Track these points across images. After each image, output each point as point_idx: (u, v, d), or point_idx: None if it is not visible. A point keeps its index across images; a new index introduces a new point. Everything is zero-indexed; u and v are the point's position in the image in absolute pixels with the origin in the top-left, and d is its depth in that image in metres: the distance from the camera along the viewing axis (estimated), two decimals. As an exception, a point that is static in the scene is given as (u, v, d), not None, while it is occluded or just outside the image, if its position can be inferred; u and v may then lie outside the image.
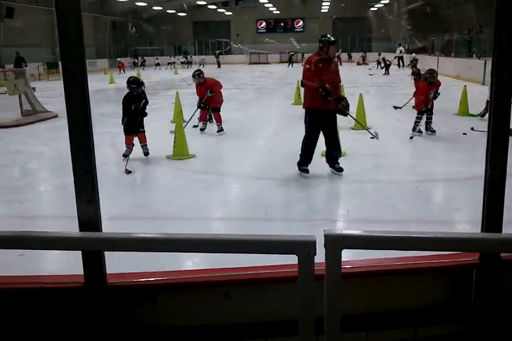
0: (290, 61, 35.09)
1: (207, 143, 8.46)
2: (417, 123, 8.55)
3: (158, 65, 35.48)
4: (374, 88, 15.05)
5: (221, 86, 10.08)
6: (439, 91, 8.52)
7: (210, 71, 31.64)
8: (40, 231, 1.63)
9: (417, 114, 8.60)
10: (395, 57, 28.44)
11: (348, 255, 2.47)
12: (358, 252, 2.20)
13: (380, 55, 29.05)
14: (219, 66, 36.61)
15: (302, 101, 13.54)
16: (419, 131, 8.64)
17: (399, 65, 27.98)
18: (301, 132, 8.86)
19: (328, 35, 6.33)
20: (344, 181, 6.40)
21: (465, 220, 4.80)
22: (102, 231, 1.82)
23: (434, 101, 8.61)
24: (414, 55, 25.81)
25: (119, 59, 33.30)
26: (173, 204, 5.44)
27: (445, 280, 1.93)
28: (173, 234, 1.57)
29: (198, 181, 6.41)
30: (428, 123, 8.68)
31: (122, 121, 7.36)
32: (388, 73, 24.82)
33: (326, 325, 1.49)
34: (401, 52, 28.79)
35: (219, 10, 41.47)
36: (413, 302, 1.90)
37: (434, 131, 8.64)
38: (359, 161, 7.20)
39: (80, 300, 1.81)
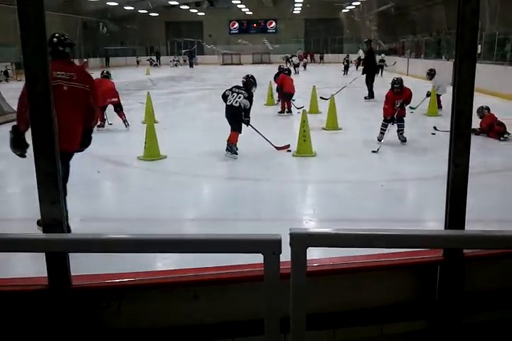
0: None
1: (178, 143, 8.41)
2: (382, 131, 8.18)
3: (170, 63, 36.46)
4: (345, 88, 15.17)
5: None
6: (410, 106, 8.39)
7: (179, 72, 31.60)
8: (3, 233, 1.60)
9: (383, 121, 8.22)
10: (357, 58, 28.90)
11: (317, 253, 2.50)
12: (327, 250, 2.23)
13: (348, 56, 28.97)
14: (191, 66, 36.52)
15: (275, 102, 13.63)
16: (379, 140, 8.15)
17: (357, 67, 28.40)
18: (273, 133, 8.87)
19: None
20: (315, 181, 6.45)
21: (433, 218, 4.87)
22: (66, 232, 1.79)
23: (406, 109, 8.34)
24: (382, 55, 26.10)
25: (85, 60, 32.57)
26: (144, 205, 5.39)
27: (410, 276, 1.96)
28: (138, 235, 1.56)
29: (169, 182, 6.37)
30: (399, 131, 8.25)
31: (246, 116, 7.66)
32: (347, 73, 25.18)
33: (291, 324, 1.50)
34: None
35: (191, 10, 41.29)
36: (379, 299, 1.93)
37: (405, 140, 8.24)
38: (330, 161, 7.27)
39: (44, 302, 1.78)
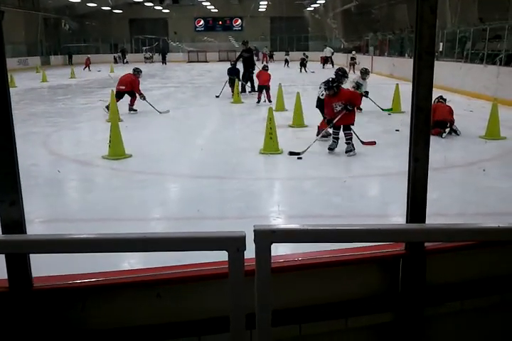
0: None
1: (143, 142, 8.34)
2: (334, 139, 7.62)
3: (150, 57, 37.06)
4: (312, 87, 15.28)
5: None
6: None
7: (144, 69, 31.12)
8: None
9: (332, 129, 7.64)
10: (321, 57, 29.22)
11: (285, 250, 2.51)
12: (297, 246, 2.24)
13: (304, 54, 28.86)
14: (163, 63, 36.28)
15: (242, 100, 13.85)
16: (330, 149, 7.56)
17: (323, 65, 28.63)
18: (238, 130, 8.86)
19: None
20: (282, 178, 6.49)
21: (398, 213, 4.96)
22: (26, 233, 1.75)
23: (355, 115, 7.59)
24: (353, 53, 26.38)
25: (89, 55, 32.22)
26: (110, 205, 5.32)
27: (374, 270, 1.99)
28: (100, 234, 1.53)
29: (135, 181, 6.30)
30: (345, 139, 7.51)
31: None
32: (301, 71, 26.00)
33: (257, 320, 1.50)
34: (332, 53, 29.43)
35: (156, 7, 40.85)
36: (343, 293, 1.95)
37: (350, 151, 7.45)
38: (296, 158, 7.31)
39: (4, 305, 1.74)
